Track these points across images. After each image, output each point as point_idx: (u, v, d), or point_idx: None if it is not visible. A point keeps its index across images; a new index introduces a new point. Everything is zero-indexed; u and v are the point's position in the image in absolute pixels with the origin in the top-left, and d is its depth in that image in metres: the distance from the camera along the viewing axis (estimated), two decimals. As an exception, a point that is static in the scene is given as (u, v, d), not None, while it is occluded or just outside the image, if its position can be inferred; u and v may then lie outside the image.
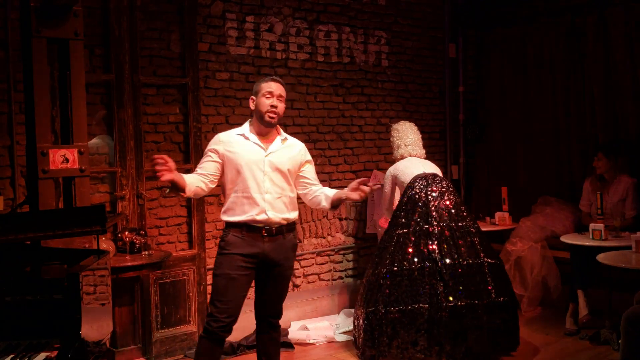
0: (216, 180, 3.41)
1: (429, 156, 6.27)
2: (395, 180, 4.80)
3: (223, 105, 4.99)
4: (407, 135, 4.91)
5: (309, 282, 5.48)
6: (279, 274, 3.44)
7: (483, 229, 5.55)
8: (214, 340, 3.34)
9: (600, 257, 4.22)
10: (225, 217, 3.39)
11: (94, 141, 4.36)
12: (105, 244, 4.04)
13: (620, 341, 3.53)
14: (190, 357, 4.57)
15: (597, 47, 5.54)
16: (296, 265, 5.39)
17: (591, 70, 5.61)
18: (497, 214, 5.70)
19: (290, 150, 3.48)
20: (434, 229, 4.37)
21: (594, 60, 5.58)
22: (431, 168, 4.77)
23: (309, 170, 3.55)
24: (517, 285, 5.39)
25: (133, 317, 4.37)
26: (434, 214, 4.42)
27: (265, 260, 3.36)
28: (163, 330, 4.56)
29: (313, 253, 5.51)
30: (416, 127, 4.99)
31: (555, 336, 4.84)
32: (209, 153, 3.42)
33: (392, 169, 4.86)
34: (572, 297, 4.94)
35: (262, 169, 3.35)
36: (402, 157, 4.87)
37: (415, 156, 4.87)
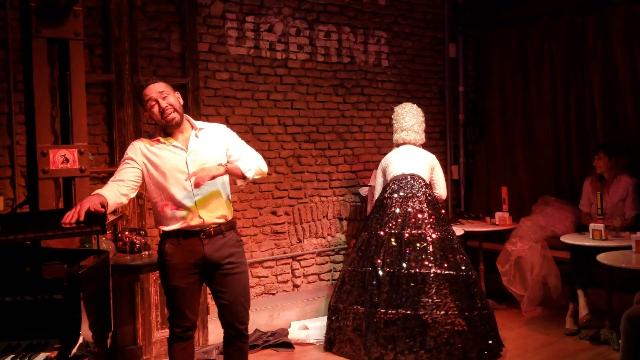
0: (137, 188, 3.16)
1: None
2: (385, 172, 4.84)
3: (223, 106, 4.99)
4: (403, 119, 4.88)
5: (309, 282, 5.48)
6: (228, 272, 3.21)
7: (483, 229, 5.62)
8: (184, 339, 3.28)
9: (601, 257, 4.22)
10: (161, 227, 3.21)
11: None
12: (105, 244, 4.04)
13: (620, 341, 3.52)
14: (190, 357, 4.57)
15: (597, 47, 5.54)
16: (296, 265, 5.40)
17: (591, 70, 5.60)
18: (497, 214, 5.69)
19: (211, 140, 3.23)
20: (385, 235, 4.42)
21: (593, 60, 5.57)
22: (416, 162, 4.73)
23: (235, 152, 3.26)
24: (517, 285, 5.40)
25: (133, 317, 4.37)
26: (388, 220, 4.46)
27: (208, 263, 3.19)
28: (163, 330, 4.55)
29: (313, 253, 5.51)
30: (418, 110, 4.96)
31: (555, 336, 4.84)
32: (127, 161, 3.15)
33: (383, 161, 4.91)
34: (572, 297, 4.94)
35: (187, 172, 3.12)
36: (397, 144, 4.90)
37: (410, 143, 4.85)
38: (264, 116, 5.22)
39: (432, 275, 4.24)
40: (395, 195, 4.57)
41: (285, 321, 5.23)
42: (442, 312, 4.17)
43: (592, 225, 4.72)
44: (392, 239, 4.39)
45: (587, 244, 4.67)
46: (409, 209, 4.48)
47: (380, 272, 4.30)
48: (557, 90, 5.89)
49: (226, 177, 3.25)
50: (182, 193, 3.12)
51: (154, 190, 3.17)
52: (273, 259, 5.26)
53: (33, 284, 2.50)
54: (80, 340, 2.30)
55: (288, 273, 5.36)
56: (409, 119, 4.87)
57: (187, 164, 3.13)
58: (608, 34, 5.46)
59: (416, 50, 6.22)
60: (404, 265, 4.27)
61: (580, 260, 4.84)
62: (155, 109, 3.13)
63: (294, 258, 5.39)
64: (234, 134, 3.35)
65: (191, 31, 4.76)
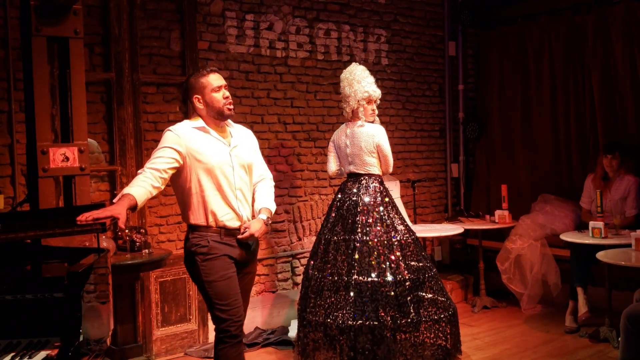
0: (168, 179, 3.05)
1: (429, 154, 6.34)
2: (335, 149, 4.47)
3: (223, 104, 4.98)
4: (346, 86, 4.28)
5: (309, 280, 5.48)
6: (249, 271, 3.29)
7: (483, 227, 5.61)
8: (237, 342, 3.11)
9: (600, 255, 4.22)
10: (197, 221, 3.09)
11: None
12: (106, 242, 4.04)
13: (619, 339, 3.53)
14: (190, 355, 4.58)
15: (597, 45, 5.53)
16: (296, 263, 5.41)
17: (591, 68, 5.60)
18: (497, 212, 5.69)
19: (244, 140, 3.25)
20: (327, 239, 4.17)
21: (593, 59, 5.57)
22: (361, 153, 4.25)
23: (256, 160, 3.31)
24: (516, 283, 5.41)
25: (133, 316, 4.38)
26: (332, 224, 4.20)
27: (243, 258, 3.20)
28: (163, 329, 4.56)
29: (313, 251, 5.51)
30: (367, 71, 4.31)
31: (555, 334, 4.85)
32: (167, 149, 3.02)
33: (334, 137, 4.45)
34: (571, 294, 4.95)
35: (231, 166, 3.11)
36: (350, 118, 4.32)
37: (358, 116, 4.25)
38: (264, 114, 5.22)
39: (353, 283, 3.96)
40: (341, 198, 4.29)
41: (286, 319, 5.23)
42: (356, 324, 3.88)
43: (591, 223, 4.72)
44: (328, 246, 4.15)
45: (586, 241, 4.66)
46: (347, 212, 4.16)
47: (319, 278, 4.11)
48: (557, 89, 5.89)
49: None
50: (226, 186, 3.09)
51: (195, 180, 3.07)
52: (273, 257, 5.27)
53: (33, 282, 2.50)
54: (81, 338, 2.31)
55: (288, 271, 5.37)
56: (353, 84, 4.22)
57: (230, 157, 3.13)
58: (608, 32, 5.46)
59: (416, 49, 6.22)
60: (338, 273, 4.05)
61: (580, 258, 4.84)
62: (221, 95, 3.10)
63: (293, 256, 5.40)
64: (256, 140, 3.39)
65: (191, 29, 4.76)
